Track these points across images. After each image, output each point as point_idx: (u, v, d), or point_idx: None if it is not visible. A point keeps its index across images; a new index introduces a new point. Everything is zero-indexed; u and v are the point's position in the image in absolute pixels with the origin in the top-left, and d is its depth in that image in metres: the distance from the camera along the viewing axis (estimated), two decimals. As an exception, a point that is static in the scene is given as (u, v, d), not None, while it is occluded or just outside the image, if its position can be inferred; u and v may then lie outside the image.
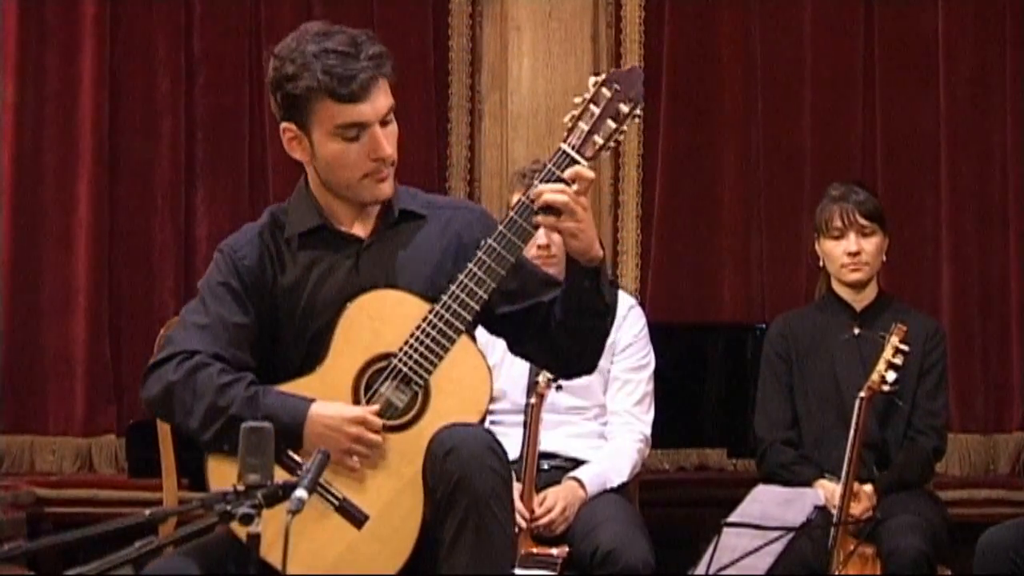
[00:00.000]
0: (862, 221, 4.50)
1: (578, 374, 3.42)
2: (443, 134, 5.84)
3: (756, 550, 3.56)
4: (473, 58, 5.84)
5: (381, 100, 3.13)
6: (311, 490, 2.58)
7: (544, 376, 4.09)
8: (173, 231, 5.80)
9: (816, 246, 4.61)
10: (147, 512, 2.57)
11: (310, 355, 3.15)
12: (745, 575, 3.57)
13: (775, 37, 5.78)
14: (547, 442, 4.27)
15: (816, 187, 5.32)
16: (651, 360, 4.50)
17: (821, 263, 4.62)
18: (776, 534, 3.56)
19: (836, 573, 4.19)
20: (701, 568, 3.56)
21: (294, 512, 2.53)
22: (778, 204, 5.75)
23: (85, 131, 5.75)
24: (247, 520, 2.47)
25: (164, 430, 4.14)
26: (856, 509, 4.29)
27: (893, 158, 5.73)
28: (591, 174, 3.08)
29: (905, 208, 5.59)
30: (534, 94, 5.62)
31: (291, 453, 3.06)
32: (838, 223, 4.51)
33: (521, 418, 4.17)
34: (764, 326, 4.95)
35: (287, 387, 3.13)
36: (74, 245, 5.75)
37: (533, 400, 4.13)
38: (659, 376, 4.53)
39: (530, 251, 4.29)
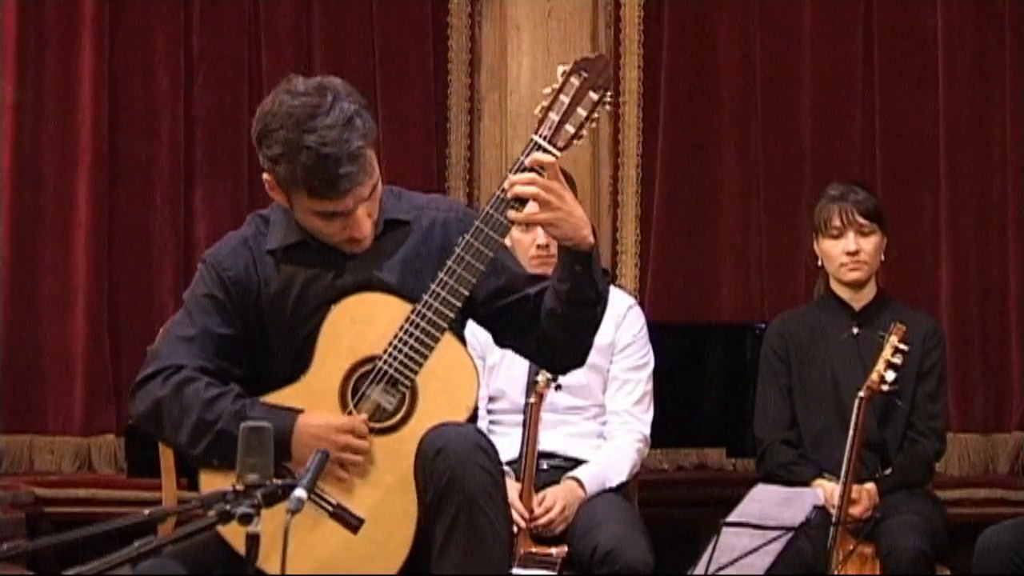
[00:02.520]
0: (861, 220, 4.50)
1: (567, 368, 3.42)
2: (442, 134, 5.83)
3: (755, 550, 3.55)
4: (472, 58, 5.84)
5: (361, 190, 3.08)
6: (310, 489, 2.58)
7: (543, 376, 4.09)
8: (172, 230, 5.79)
9: (815, 246, 4.61)
10: (146, 512, 2.57)
11: (298, 363, 3.14)
12: (744, 575, 3.56)
13: (774, 37, 5.78)
14: (546, 442, 4.27)
15: (815, 187, 5.32)
16: (650, 360, 4.50)
17: (820, 263, 4.62)
18: (775, 534, 3.55)
19: (835, 573, 4.19)
20: (700, 568, 3.56)
21: (293, 512, 2.53)
22: (777, 204, 5.75)
23: (84, 131, 5.74)
24: (246, 520, 2.47)
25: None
26: (857, 509, 4.29)
27: (892, 158, 5.73)
28: (549, 158, 3.06)
29: (904, 207, 5.59)
30: (533, 94, 5.61)
31: (284, 463, 3.06)
32: (837, 222, 4.51)
33: (520, 418, 4.17)
34: (763, 326, 4.94)
35: (273, 397, 3.12)
36: (73, 244, 5.74)
37: (532, 400, 4.13)
38: (658, 376, 4.53)
39: (530, 251, 4.29)
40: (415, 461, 3.03)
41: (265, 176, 3.14)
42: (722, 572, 3.55)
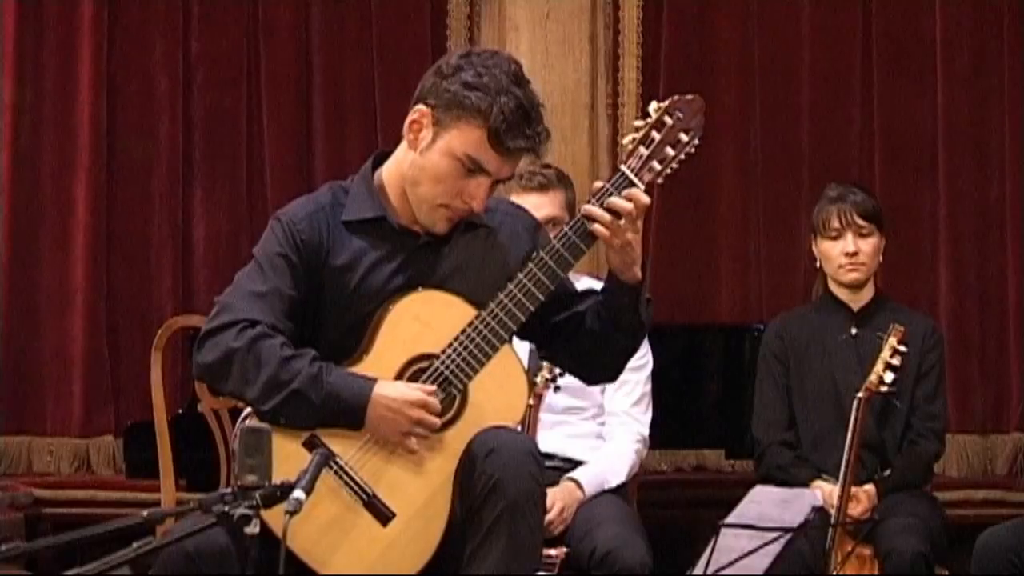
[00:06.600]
0: (859, 221, 4.50)
1: (598, 382, 3.46)
2: (441, 134, 5.82)
3: (754, 551, 3.55)
4: (471, 59, 5.83)
5: (512, 166, 3.14)
6: (309, 491, 2.58)
7: (542, 377, 4.08)
8: (171, 231, 5.80)
9: (813, 247, 4.61)
10: (144, 513, 2.57)
11: (346, 341, 3.13)
12: (743, 576, 3.57)
13: (773, 38, 5.79)
14: (545, 443, 4.26)
15: (814, 188, 5.32)
16: (649, 360, 4.49)
17: (818, 264, 4.61)
18: (774, 535, 3.55)
19: (834, 574, 4.19)
20: (699, 569, 3.56)
21: (292, 513, 2.53)
22: (776, 205, 5.75)
23: (83, 131, 5.75)
24: (245, 521, 2.47)
25: (162, 431, 4.13)
26: (856, 510, 4.29)
27: (891, 158, 5.74)
28: (647, 199, 3.10)
29: (903, 208, 5.59)
30: (531, 95, 5.61)
31: (321, 437, 3.05)
32: (836, 223, 4.50)
33: (519, 419, 4.17)
34: (762, 327, 4.94)
35: None
36: (72, 245, 5.74)
37: (531, 400, 4.12)
38: (657, 377, 4.52)
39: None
40: (463, 459, 3.04)
41: (420, 109, 3.12)
42: (721, 573, 3.55)
